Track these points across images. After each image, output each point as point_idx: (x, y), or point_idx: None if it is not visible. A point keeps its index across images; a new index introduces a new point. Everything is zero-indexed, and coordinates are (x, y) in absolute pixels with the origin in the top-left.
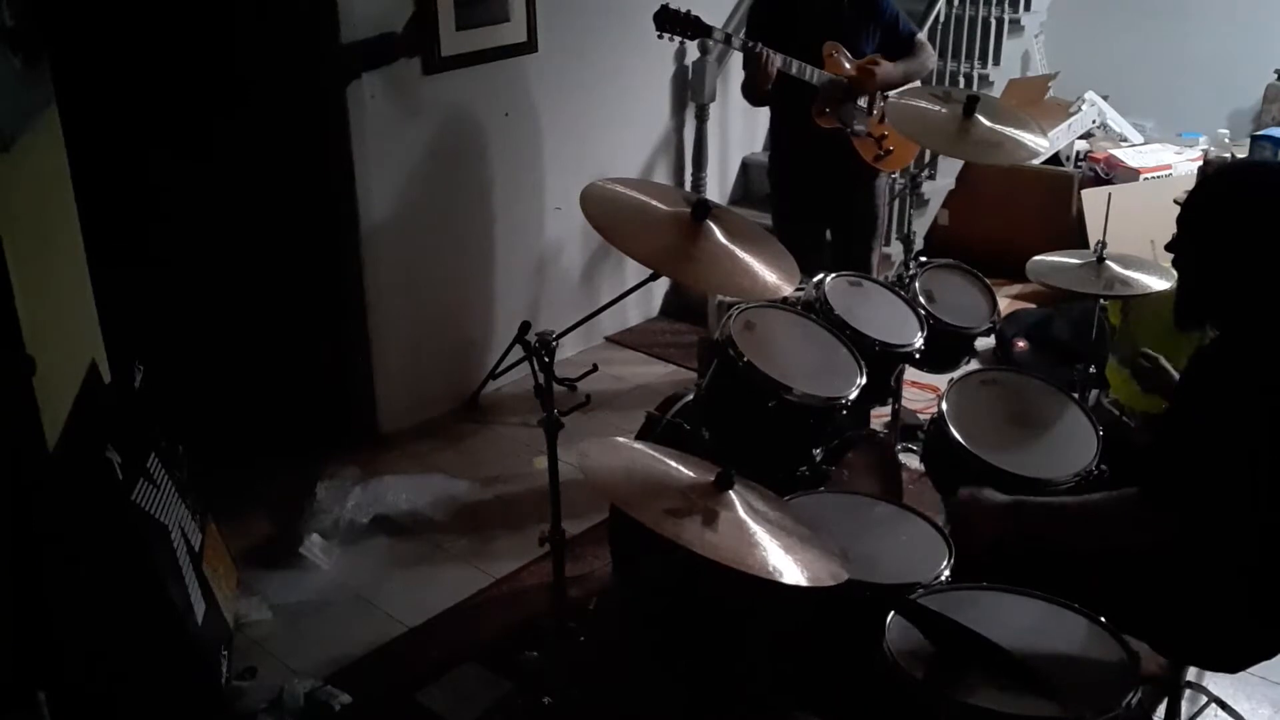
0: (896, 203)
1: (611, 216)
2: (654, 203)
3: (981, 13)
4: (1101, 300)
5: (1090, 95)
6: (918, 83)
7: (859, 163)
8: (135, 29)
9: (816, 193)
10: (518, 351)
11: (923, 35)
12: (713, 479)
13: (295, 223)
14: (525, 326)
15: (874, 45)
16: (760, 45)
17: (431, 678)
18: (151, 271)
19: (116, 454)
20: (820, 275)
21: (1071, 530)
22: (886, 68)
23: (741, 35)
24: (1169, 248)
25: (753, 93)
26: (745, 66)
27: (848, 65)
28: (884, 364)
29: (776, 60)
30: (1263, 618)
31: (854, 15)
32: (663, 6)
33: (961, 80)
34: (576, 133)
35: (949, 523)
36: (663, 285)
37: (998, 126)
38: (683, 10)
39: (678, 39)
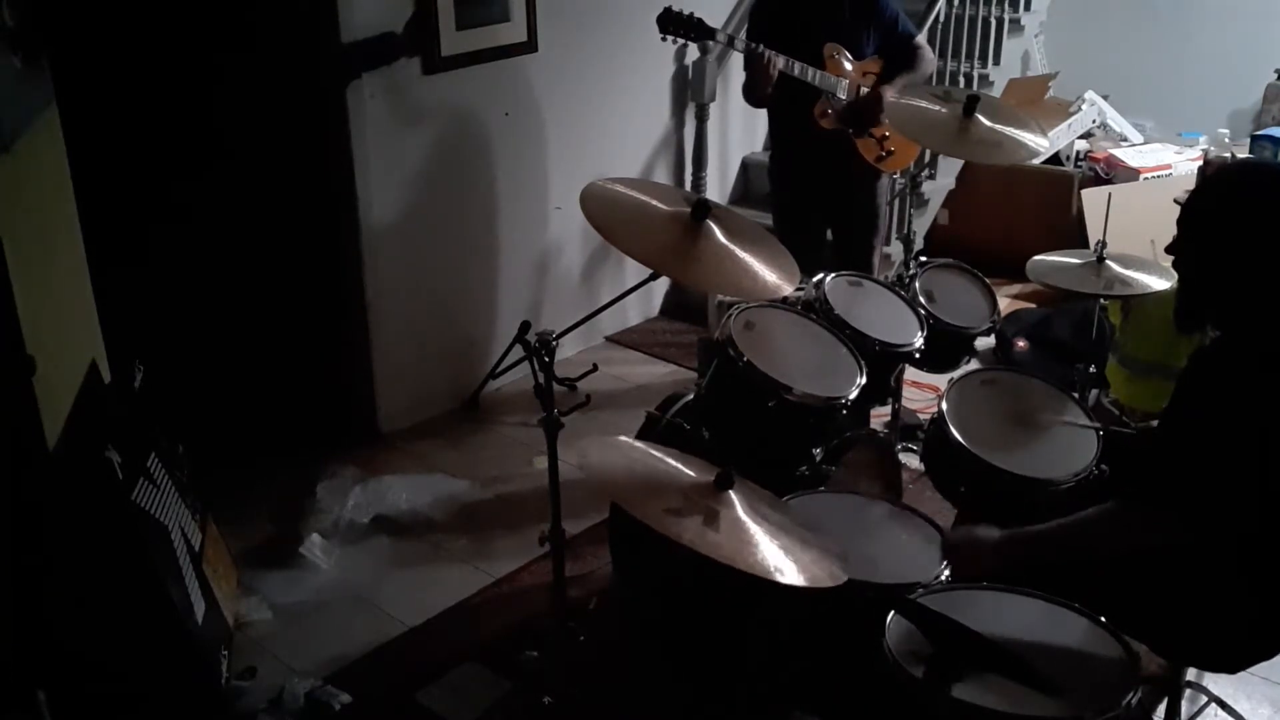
0: (896, 203)
1: (611, 216)
2: (654, 202)
3: (981, 12)
4: (1101, 300)
5: (1090, 95)
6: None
7: (861, 162)
8: (135, 29)
9: (818, 192)
10: (518, 351)
11: (921, 37)
12: (713, 479)
13: (295, 222)
14: (525, 326)
15: (873, 46)
16: (763, 47)
17: (431, 678)
18: (151, 271)
19: (116, 454)
20: (820, 275)
21: (1069, 550)
22: (888, 89)
23: (743, 36)
24: (1169, 249)
25: (753, 94)
26: (746, 68)
27: (848, 67)
28: (884, 364)
29: (779, 62)
30: (1263, 617)
31: (854, 16)
32: (666, 9)
33: (961, 80)
34: (576, 133)
35: (944, 560)
36: (663, 285)
37: (998, 126)
38: (686, 12)
39: (680, 40)
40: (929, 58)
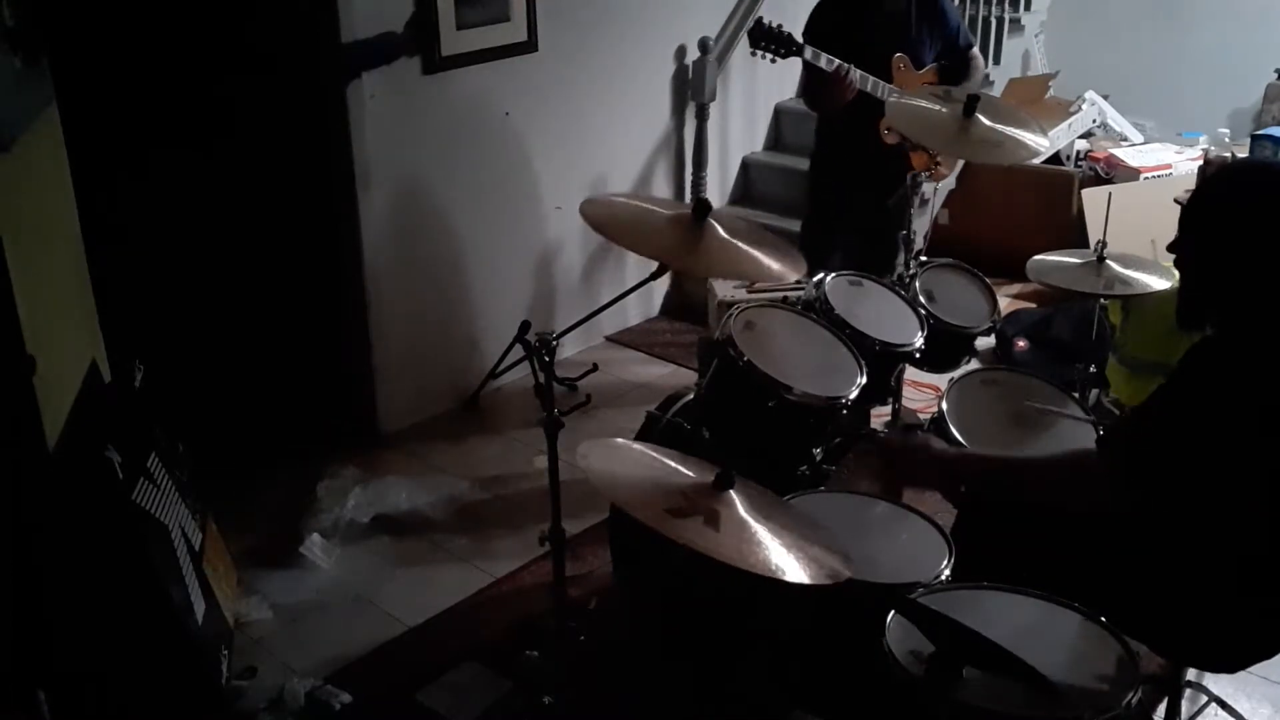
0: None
1: (612, 217)
2: (654, 209)
3: (982, 12)
4: (1101, 300)
5: (1090, 95)
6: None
7: (908, 171)
8: (135, 29)
9: (860, 200)
10: (518, 351)
11: (976, 49)
12: (712, 479)
13: (295, 222)
14: (525, 326)
15: (933, 56)
16: (850, 67)
17: (431, 677)
18: (152, 271)
19: (116, 454)
20: (820, 275)
21: (1015, 487)
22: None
23: (824, 55)
24: (1171, 248)
25: (823, 105)
26: (814, 77)
27: (911, 77)
28: (884, 363)
29: (856, 79)
30: (1263, 617)
31: (920, 27)
32: (757, 22)
33: None
34: (576, 132)
35: (880, 457)
36: (663, 285)
37: (998, 126)
38: (776, 25)
39: (770, 56)
40: (981, 66)
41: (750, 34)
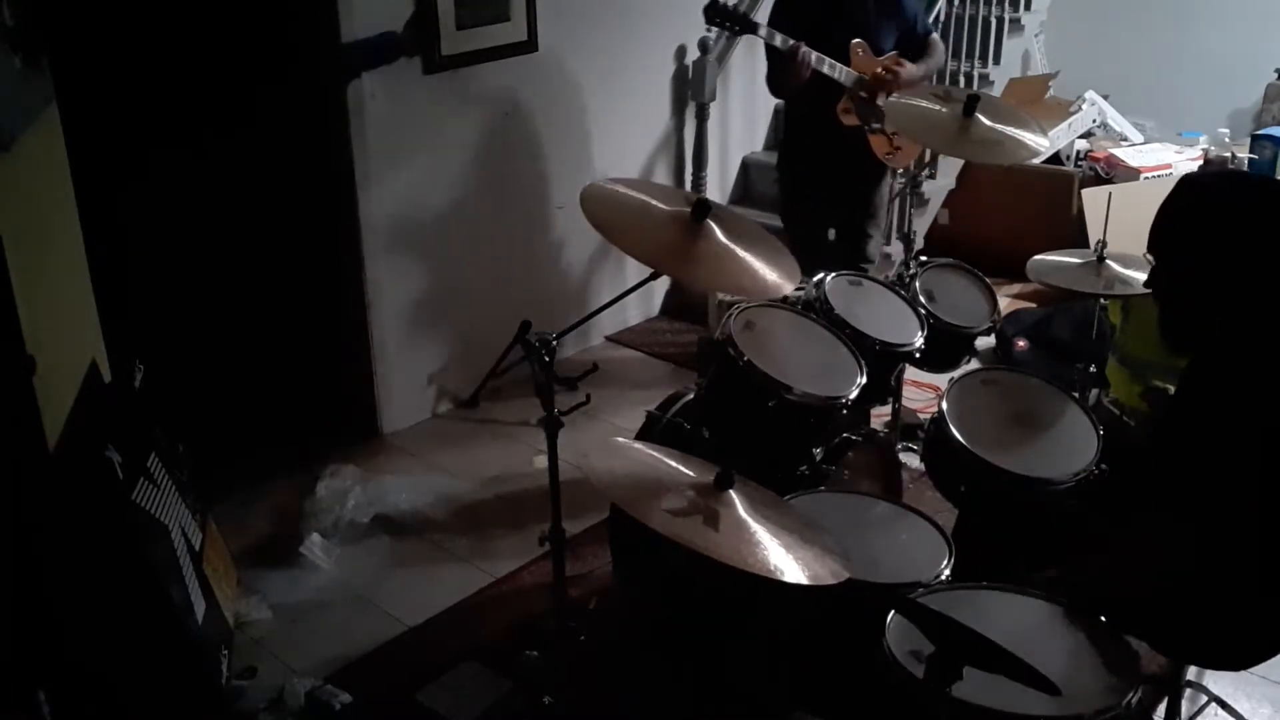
0: (896, 202)
1: (611, 217)
2: (654, 202)
3: (982, 12)
4: (1101, 300)
5: (1090, 94)
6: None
7: (872, 159)
8: (135, 29)
9: (828, 187)
10: (518, 351)
11: (936, 34)
12: (713, 479)
13: (295, 222)
14: (525, 326)
15: (893, 43)
16: (803, 46)
17: (431, 677)
18: (152, 271)
19: (116, 454)
20: (820, 275)
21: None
22: (909, 69)
23: (778, 34)
24: (1148, 283)
25: (782, 87)
26: (770, 59)
27: (870, 63)
28: (884, 363)
29: (812, 59)
30: (1272, 615)
31: (879, 14)
32: (712, 0)
33: (962, 79)
34: (576, 133)
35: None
36: (663, 285)
37: (998, 126)
38: (732, 4)
39: (724, 33)
40: (941, 49)
41: (705, 10)
